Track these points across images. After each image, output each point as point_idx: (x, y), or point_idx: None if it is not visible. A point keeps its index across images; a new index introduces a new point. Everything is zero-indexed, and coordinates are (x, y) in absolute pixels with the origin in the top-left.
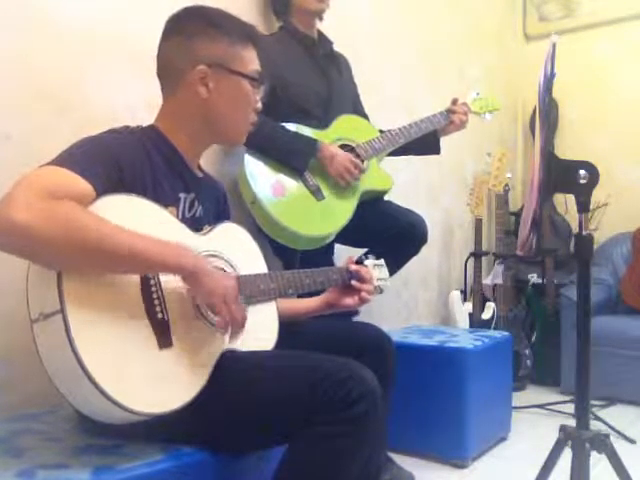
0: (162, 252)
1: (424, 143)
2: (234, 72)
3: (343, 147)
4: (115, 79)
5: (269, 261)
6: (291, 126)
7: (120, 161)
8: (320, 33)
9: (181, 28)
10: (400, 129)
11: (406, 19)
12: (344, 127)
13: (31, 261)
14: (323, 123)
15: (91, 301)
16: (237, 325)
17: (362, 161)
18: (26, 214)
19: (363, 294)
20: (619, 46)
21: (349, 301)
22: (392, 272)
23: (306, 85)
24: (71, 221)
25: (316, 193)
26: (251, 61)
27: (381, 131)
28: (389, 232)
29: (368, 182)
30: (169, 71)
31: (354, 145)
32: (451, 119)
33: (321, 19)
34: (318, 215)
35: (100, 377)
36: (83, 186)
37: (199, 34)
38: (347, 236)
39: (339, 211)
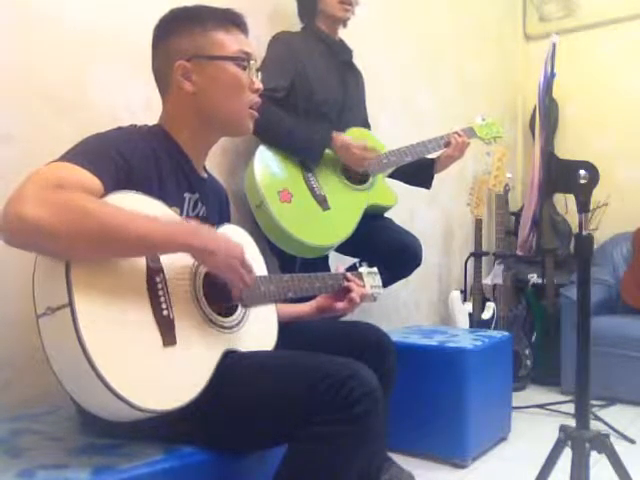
0: (172, 232)
1: (419, 175)
2: (214, 57)
3: None
4: (116, 79)
5: (266, 259)
6: None
7: (127, 158)
8: (341, 40)
9: (159, 34)
10: (407, 147)
11: (406, 19)
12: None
13: (43, 254)
14: (335, 127)
15: (98, 296)
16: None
17: (369, 177)
18: (35, 208)
19: (353, 295)
20: (619, 46)
21: (340, 306)
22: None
23: (325, 86)
24: (79, 207)
25: (322, 203)
26: (233, 43)
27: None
28: (385, 249)
29: (373, 196)
30: (159, 77)
31: None
32: (448, 139)
33: (344, 26)
34: (322, 225)
35: (106, 371)
36: (91, 180)
37: (173, 32)
38: (344, 247)
39: (343, 223)
